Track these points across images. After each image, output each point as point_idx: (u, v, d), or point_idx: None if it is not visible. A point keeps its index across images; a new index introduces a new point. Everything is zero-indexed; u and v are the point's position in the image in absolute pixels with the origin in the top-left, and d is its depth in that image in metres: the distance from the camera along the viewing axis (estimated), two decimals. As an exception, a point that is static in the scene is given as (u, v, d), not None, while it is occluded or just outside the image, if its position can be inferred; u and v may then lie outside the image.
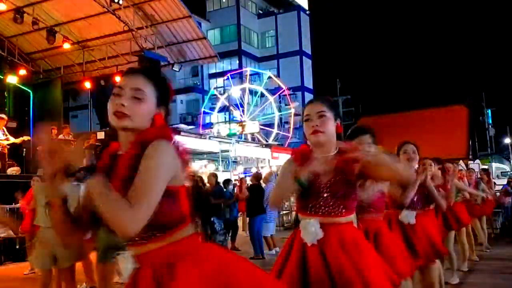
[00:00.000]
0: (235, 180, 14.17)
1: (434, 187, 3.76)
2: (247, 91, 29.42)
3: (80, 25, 14.58)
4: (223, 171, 19.78)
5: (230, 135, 23.25)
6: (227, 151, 19.73)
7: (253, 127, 25.55)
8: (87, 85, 15.29)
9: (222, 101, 29.12)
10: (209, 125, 29.28)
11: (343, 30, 78.01)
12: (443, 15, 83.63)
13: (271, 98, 28.64)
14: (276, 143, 26.04)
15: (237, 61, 36.19)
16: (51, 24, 14.17)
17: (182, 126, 25.75)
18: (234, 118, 27.59)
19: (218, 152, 19.31)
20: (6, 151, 11.15)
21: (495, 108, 34.41)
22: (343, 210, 2.16)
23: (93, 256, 5.47)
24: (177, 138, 1.56)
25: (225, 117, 29.72)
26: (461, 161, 9.39)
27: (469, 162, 15.27)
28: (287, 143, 27.18)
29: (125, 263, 1.75)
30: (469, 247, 6.92)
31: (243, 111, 28.84)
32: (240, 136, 24.56)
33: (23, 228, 7.45)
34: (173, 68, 15.43)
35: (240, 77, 30.34)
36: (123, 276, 1.65)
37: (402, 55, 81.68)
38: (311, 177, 2.18)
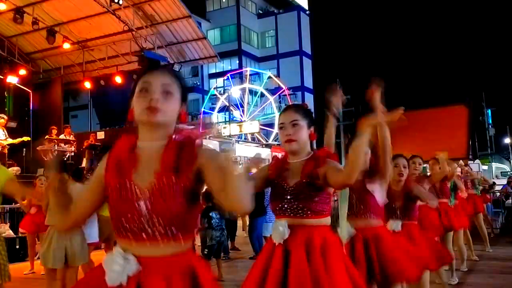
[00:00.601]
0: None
1: (420, 187, 3.72)
2: (247, 91, 29.40)
3: (80, 25, 14.59)
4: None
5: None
6: (227, 151, 19.67)
7: (253, 127, 25.52)
8: (87, 85, 15.31)
9: (222, 101, 29.09)
10: (209, 125, 29.27)
11: (343, 30, 78.01)
12: (443, 15, 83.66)
13: (271, 98, 28.60)
14: (276, 143, 26.02)
15: (237, 61, 36.17)
16: (51, 24, 14.17)
17: (182, 126, 25.69)
18: (234, 118, 27.56)
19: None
20: (6, 151, 11.16)
21: (495, 108, 34.38)
22: (309, 212, 2.23)
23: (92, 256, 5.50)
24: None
25: (225, 117, 29.70)
26: (461, 161, 9.39)
27: (469, 162, 15.27)
28: (287, 143, 27.12)
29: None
30: (468, 247, 6.92)
31: (243, 111, 28.81)
32: (240, 136, 24.55)
33: (22, 227, 7.44)
34: (173, 68, 15.43)
35: (240, 77, 30.31)
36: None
37: (402, 55, 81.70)
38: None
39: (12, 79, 14.12)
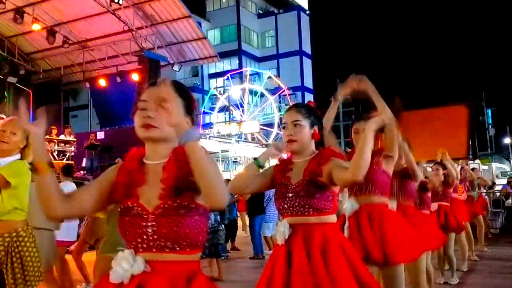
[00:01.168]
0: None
1: (412, 161, 3.65)
2: (247, 91, 29.39)
3: (80, 25, 14.59)
4: (223, 171, 19.78)
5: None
6: (227, 151, 19.71)
7: (252, 127, 25.51)
8: (87, 85, 15.30)
9: (222, 101, 29.09)
10: (209, 125, 29.26)
11: (343, 30, 78.02)
12: (443, 15, 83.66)
13: (271, 98, 28.60)
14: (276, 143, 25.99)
15: (237, 61, 36.16)
16: (51, 24, 14.17)
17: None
18: (234, 118, 27.55)
19: (218, 152, 19.29)
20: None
21: (495, 108, 34.35)
22: (310, 210, 2.23)
23: (88, 254, 5.50)
24: None
25: (225, 117, 29.70)
26: (461, 161, 9.39)
27: (469, 162, 15.26)
28: (287, 143, 27.14)
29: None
30: (468, 247, 6.92)
31: (243, 111, 28.81)
32: (240, 136, 24.56)
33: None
34: (173, 68, 15.43)
35: (240, 77, 30.31)
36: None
37: (402, 55, 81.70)
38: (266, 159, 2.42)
39: (12, 79, 14.13)
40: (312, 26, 39.00)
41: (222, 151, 19.43)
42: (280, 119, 29.00)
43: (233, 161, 21.16)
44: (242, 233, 11.32)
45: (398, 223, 3.02)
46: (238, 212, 10.64)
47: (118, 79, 14.58)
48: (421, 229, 3.56)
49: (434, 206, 5.11)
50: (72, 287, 5.03)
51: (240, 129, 24.32)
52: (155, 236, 1.47)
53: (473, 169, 9.84)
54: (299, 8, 38.17)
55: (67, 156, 12.54)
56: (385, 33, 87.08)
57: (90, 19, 14.26)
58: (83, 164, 13.29)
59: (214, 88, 30.50)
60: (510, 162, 31.27)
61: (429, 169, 5.33)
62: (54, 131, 12.42)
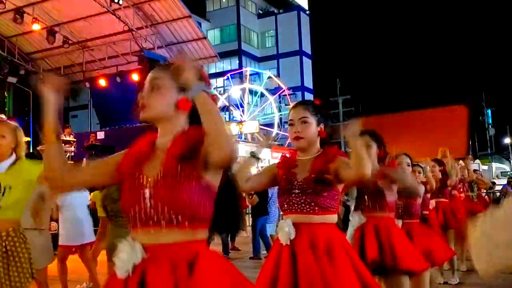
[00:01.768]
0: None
1: (407, 175, 3.65)
2: (247, 91, 29.39)
3: (80, 25, 14.58)
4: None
5: None
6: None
7: (252, 127, 25.51)
8: (87, 85, 15.30)
9: (222, 101, 29.10)
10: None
11: (343, 30, 78.00)
12: (443, 15, 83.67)
13: (271, 98, 28.60)
14: (276, 143, 26.03)
15: (237, 61, 36.14)
16: (51, 24, 14.17)
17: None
18: (234, 118, 27.55)
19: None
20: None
21: (495, 108, 34.46)
22: (316, 208, 2.21)
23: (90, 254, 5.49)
24: None
25: (225, 117, 29.71)
26: (461, 161, 9.37)
27: (469, 162, 15.25)
28: (287, 143, 27.17)
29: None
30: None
31: (243, 111, 28.82)
32: (240, 136, 24.56)
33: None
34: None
35: (240, 77, 30.31)
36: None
37: (402, 55, 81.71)
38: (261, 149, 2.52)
39: (12, 79, 14.12)
40: (312, 26, 39.04)
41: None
42: (280, 119, 29.10)
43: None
44: (242, 233, 11.32)
45: (405, 236, 3.03)
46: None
47: (118, 79, 14.57)
48: (428, 246, 3.56)
49: (432, 203, 5.09)
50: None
51: (240, 129, 24.32)
52: (152, 201, 1.47)
53: (474, 170, 9.81)
54: (299, 8, 38.16)
55: (67, 156, 12.51)
56: (385, 33, 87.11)
57: (90, 19, 14.25)
58: (83, 164, 13.27)
59: (214, 88, 30.51)
60: (510, 162, 31.29)
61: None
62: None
